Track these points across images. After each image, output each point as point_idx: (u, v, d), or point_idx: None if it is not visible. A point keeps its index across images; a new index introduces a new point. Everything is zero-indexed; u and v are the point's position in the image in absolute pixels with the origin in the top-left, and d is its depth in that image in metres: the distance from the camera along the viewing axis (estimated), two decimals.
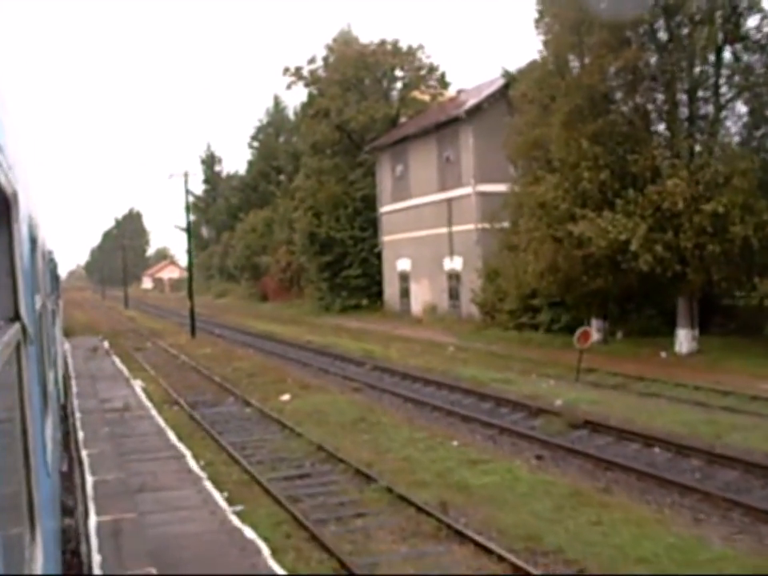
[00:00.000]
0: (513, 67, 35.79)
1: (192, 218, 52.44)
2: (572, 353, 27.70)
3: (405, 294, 48.74)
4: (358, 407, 19.40)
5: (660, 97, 26.34)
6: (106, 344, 35.72)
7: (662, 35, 26.17)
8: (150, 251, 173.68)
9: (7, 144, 2.39)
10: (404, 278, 48.85)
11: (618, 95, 27.12)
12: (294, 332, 41.15)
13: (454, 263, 42.97)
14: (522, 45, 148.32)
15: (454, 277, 43.18)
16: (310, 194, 54.98)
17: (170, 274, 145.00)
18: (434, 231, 44.34)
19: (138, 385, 22.67)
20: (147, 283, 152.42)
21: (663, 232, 24.29)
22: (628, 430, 16.04)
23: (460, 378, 23.35)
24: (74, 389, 21.17)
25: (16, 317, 2.68)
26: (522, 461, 14.06)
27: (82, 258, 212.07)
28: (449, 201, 42.93)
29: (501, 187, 37.12)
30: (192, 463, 13.20)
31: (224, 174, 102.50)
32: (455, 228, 42.47)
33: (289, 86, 57.21)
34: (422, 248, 45.84)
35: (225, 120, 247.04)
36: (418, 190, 46.48)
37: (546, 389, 21.43)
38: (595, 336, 26.94)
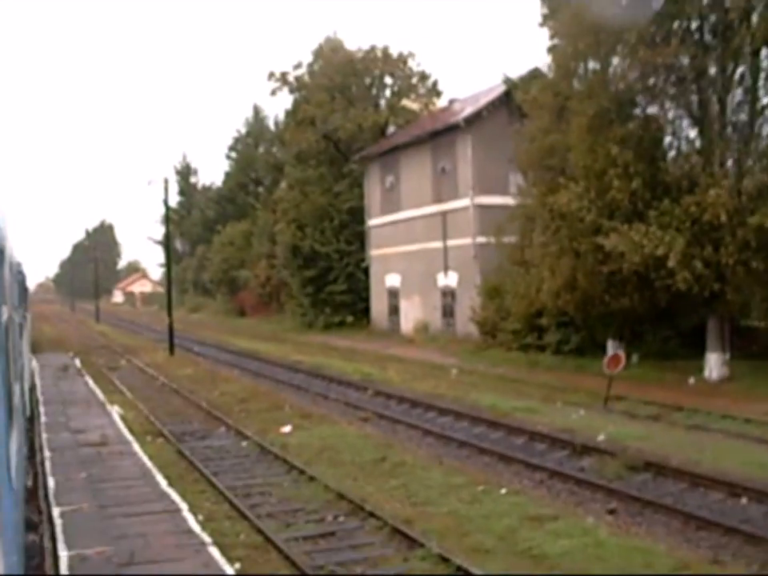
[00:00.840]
0: (510, 74, 34.14)
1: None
2: (589, 377, 25.49)
3: (394, 311, 46.21)
4: (372, 442, 16.81)
5: (694, 100, 24.14)
6: (77, 362, 32.92)
7: (698, 35, 24.01)
8: (121, 264, 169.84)
9: None
10: (393, 294, 46.34)
11: (647, 98, 24.83)
12: (279, 350, 38.46)
13: (449, 279, 40.58)
14: (508, 54, 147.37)
15: (448, 294, 40.80)
16: (293, 205, 52.38)
17: (141, 287, 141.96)
18: (427, 245, 41.95)
19: (115, 411, 20.00)
20: (118, 297, 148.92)
21: (701, 247, 22.04)
22: (699, 474, 13.64)
23: (478, 407, 20.88)
24: (43, 418, 18.42)
25: None
26: (593, 516, 11.56)
27: (51, 270, 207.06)
28: (444, 213, 40.57)
29: (500, 199, 35.20)
30: (190, 519, 10.62)
31: (200, 185, 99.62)
32: (450, 242, 40.12)
33: (273, 92, 54.56)
34: (413, 263, 43.41)
35: (200, 131, 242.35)
36: (410, 202, 44.06)
37: (578, 420, 19.06)
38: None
